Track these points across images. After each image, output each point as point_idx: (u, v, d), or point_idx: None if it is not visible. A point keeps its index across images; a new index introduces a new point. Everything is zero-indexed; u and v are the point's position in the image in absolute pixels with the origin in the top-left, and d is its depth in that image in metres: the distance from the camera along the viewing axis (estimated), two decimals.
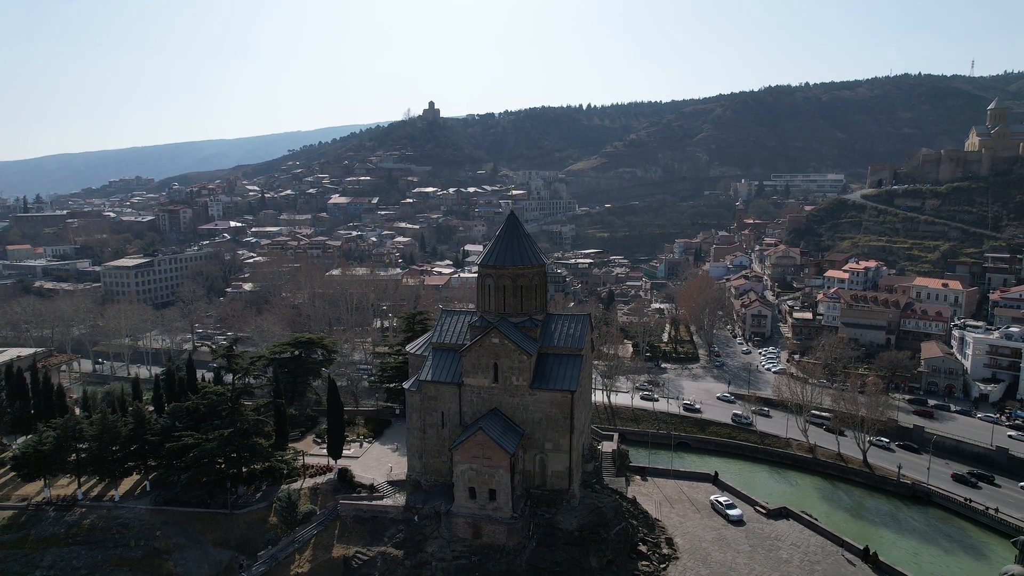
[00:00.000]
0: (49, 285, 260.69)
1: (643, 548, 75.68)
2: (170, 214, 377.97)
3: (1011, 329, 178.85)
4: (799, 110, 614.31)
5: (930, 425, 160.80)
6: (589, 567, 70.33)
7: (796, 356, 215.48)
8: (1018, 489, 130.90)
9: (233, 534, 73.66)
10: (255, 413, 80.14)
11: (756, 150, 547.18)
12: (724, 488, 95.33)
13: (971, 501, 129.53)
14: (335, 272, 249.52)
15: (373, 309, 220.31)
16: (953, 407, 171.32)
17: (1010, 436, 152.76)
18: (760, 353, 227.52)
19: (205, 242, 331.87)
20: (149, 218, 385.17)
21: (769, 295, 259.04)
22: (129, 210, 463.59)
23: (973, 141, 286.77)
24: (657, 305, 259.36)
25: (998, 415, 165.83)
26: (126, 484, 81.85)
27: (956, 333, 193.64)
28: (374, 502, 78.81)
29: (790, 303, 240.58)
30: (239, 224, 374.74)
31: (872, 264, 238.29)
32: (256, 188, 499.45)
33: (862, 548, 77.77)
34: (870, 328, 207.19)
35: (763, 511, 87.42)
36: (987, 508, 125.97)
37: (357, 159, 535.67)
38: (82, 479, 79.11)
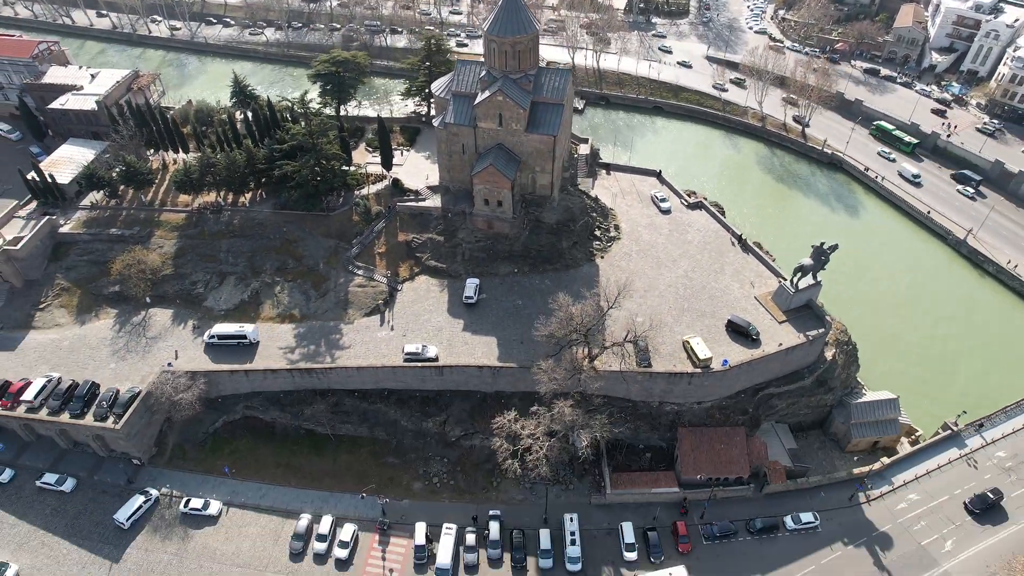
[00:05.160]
0: None
1: (598, 233, 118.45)
2: None
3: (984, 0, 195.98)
4: None
5: (868, 98, 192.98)
6: (561, 247, 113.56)
7: (781, 12, 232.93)
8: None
9: (332, 229, 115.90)
10: (328, 142, 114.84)
11: None
12: (664, 183, 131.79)
13: (868, 170, 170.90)
14: None
15: None
16: (899, 78, 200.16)
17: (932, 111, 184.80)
18: (748, 7, 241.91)
19: None
20: None
21: None
22: None
23: None
24: None
25: (931, 88, 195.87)
26: (246, 197, 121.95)
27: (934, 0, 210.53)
28: (419, 203, 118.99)
29: None
30: None
31: None
32: None
33: (739, 234, 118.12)
34: None
35: (685, 203, 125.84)
36: (877, 176, 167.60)
37: None
38: (219, 192, 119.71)
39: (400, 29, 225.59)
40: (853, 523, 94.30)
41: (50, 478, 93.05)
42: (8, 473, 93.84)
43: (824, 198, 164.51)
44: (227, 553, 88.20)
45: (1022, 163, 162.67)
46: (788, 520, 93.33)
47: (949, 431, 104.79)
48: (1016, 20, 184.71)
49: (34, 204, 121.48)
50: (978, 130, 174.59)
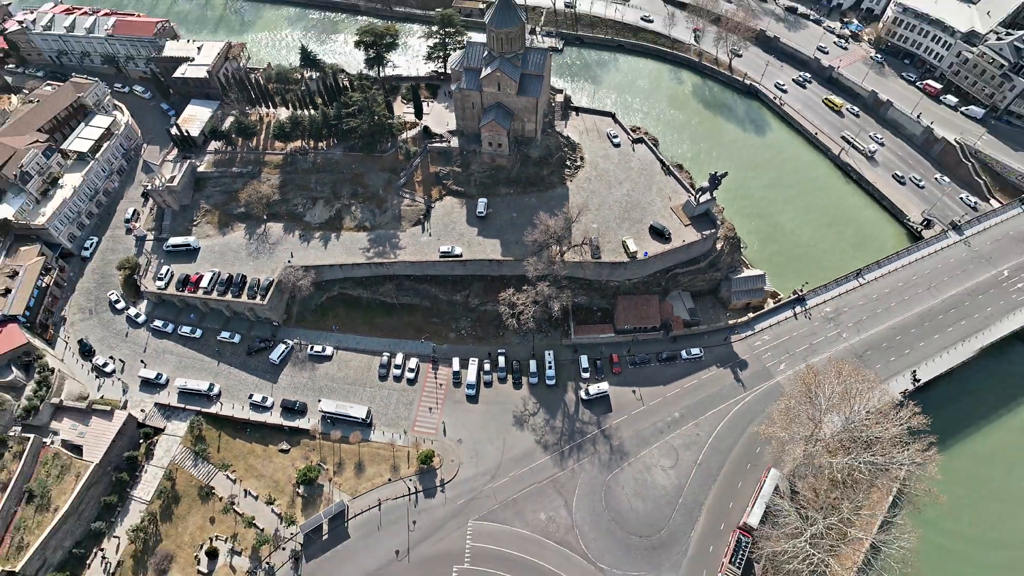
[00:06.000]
0: None
1: (568, 163, 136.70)
2: None
3: None
4: None
5: (785, 35, 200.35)
6: (543, 174, 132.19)
7: None
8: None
9: (385, 165, 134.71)
10: (378, 104, 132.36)
11: None
12: (617, 122, 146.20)
13: (777, 98, 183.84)
14: None
15: None
16: (811, 15, 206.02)
17: (822, 45, 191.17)
18: None
19: None
20: None
21: None
22: None
23: None
24: None
25: (836, 24, 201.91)
26: (323, 143, 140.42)
27: None
28: (443, 144, 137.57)
29: None
30: None
31: None
32: None
33: (664, 162, 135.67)
34: None
35: (631, 138, 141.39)
36: (781, 103, 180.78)
37: None
38: (304, 139, 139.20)
39: None
40: (725, 354, 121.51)
41: (225, 334, 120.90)
42: (199, 332, 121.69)
43: (741, 122, 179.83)
44: (340, 377, 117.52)
45: (892, 93, 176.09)
46: (683, 353, 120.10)
47: (796, 295, 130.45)
48: None
49: (175, 151, 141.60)
50: (869, 60, 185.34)
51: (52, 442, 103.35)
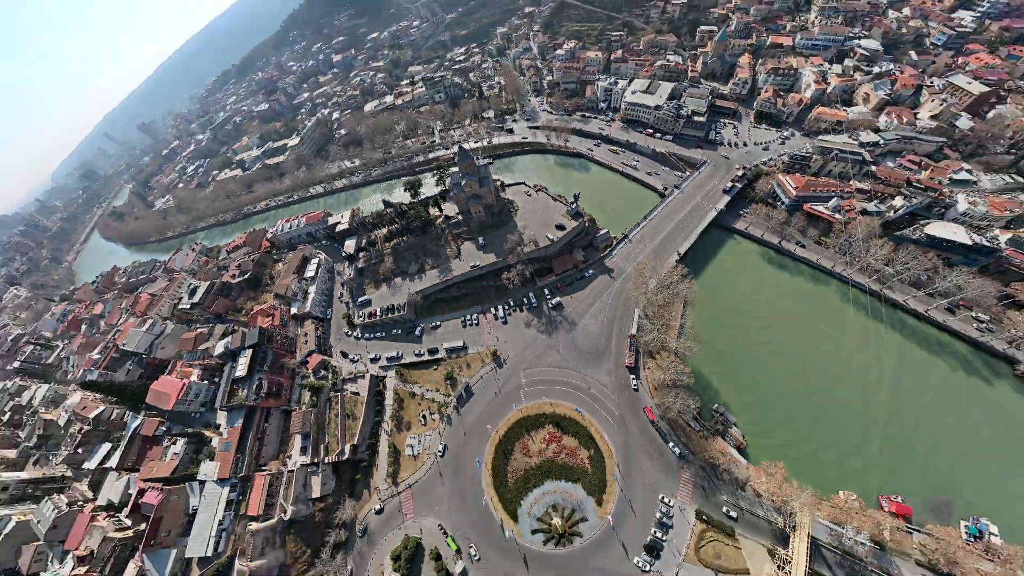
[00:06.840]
0: (271, 161, 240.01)
1: (511, 211, 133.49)
2: (275, 101, 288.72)
3: (612, 79, 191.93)
4: None
5: (583, 127, 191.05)
6: (502, 219, 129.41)
7: (550, 100, 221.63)
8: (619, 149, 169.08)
9: (433, 238, 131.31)
10: (424, 213, 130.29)
11: None
12: (527, 185, 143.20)
13: (591, 155, 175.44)
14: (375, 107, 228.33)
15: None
16: (591, 116, 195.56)
17: (601, 127, 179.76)
18: (538, 101, 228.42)
19: (301, 110, 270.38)
20: (264, 107, 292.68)
21: (539, 63, 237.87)
22: (247, 102, 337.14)
23: None
24: (497, 79, 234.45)
25: (602, 117, 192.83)
26: (406, 237, 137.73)
27: (598, 82, 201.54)
28: (455, 219, 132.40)
29: (545, 71, 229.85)
30: (314, 93, 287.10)
31: (574, 43, 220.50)
32: (293, 63, 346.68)
33: (552, 195, 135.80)
34: (572, 82, 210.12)
35: (536, 190, 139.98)
36: (592, 156, 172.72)
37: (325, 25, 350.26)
38: (396, 238, 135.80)
39: (420, 155, 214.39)
40: (603, 268, 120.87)
41: (395, 330, 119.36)
42: (382, 333, 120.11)
43: (578, 169, 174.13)
44: (448, 332, 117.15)
45: (636, 139, 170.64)
46: (585, 274, 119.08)
47: (624, 235, 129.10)
48: (621, 88, 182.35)
49: (348, 262, 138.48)
50: (621, 128, 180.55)
51: (347, 393, 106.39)
